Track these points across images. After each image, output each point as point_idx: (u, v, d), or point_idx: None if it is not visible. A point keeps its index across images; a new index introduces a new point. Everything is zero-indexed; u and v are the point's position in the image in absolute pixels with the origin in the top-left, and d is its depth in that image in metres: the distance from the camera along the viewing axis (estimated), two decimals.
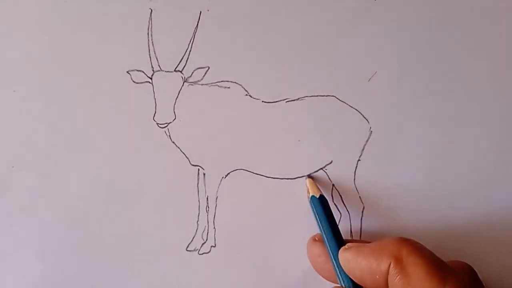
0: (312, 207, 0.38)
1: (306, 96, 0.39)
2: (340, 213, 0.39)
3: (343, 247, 0.34)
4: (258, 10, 0.39)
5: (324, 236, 0.36)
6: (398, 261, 0.30)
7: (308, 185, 0.39)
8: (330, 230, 0.36)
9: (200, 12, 0.38)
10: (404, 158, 0.39)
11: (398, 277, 0.30)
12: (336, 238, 0.35)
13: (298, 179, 0.39)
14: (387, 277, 0.31)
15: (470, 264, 0.34)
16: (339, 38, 0.39)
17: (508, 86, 0.39)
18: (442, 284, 0.29)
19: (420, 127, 0.39)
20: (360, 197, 0.39)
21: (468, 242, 0.39)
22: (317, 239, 0.38)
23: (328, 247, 0.35)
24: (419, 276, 0.30)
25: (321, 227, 0.36)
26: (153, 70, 0.38)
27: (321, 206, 0.37)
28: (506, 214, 0.39)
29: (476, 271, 0.33)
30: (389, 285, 0.31)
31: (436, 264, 0.30)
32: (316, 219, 0.37)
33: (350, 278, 0.33)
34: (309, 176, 0.39)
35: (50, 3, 0.38)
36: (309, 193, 0.38)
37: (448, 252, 0.39)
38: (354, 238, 0.39)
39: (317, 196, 0.37)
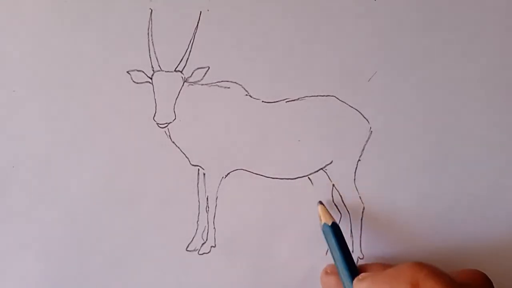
0: (324, 234, 0.37)
1: (306, 96, 0.39)
2: (340, 213, 0.39)
3: (357, 278, 0.34)
4: (258, 10, 0.39)
5: (337, 265, 0.36)
6: (415, 287, 0.30)
7: (320, 212, 0.38)
8: (343, 259, 0.35)
9: (200, 12, 0.38)
10: (404, 158, 0.39)
11: None
12: (349, 268, 0.35)
13: (298, 179, 0.39)
14: None
15: (476, 266, 0.34)
16: (339, 38, 0.39)
17: (509, 86, 0.39)
18: None
19: (420, 127, 0.39)
20: (360, 197, 0.39)
21: (468, 241, 0.39)
22: (328, 271, 0.37)
23: (342, 277, 0.35)
24: None
25: (334, 256, 0.36)
26: (153, 70, 0.38)
27: (334, 234, 0.36)
28: (507, 214, 0.39)
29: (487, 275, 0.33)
30: None
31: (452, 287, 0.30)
32: (329, 247, 0.37)
33: None
34: (321, 202, 0.39)
35: (50, 3, 0.38)
36: (321, 221, 0.38)
37: (448, 251, 0.39)
38: (354, 238, 0.39)
39: (329, 224, 0.37)
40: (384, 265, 0.36)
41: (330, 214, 0.38)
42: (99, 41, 0.38)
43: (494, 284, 0.34)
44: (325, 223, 0.37)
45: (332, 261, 0.37)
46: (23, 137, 0.38)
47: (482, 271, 0.34)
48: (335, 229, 0.37)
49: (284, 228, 0.39)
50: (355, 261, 0.39)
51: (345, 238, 0.37)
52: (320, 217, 0.38)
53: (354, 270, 0.35)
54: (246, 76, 0.39)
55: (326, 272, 0.38)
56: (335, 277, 0.37)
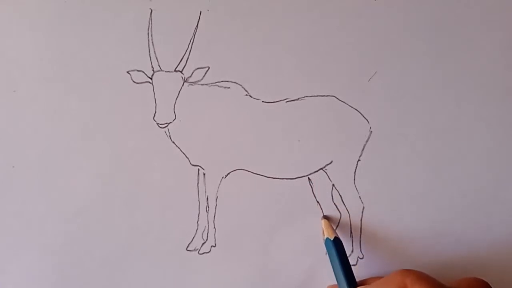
0: (326, 248, 0.38)
1: (306, 96, 0.39)
2: (340, 213, 0.39)
3: None
4: (258, 10, 0.39)
5: (338, 279, 0.36)
6: None
7: (323, 226, 0.39)
8: (343, 273, 0.36)
9: (200, 12, 0.38)
10: (404, 158, 0.39)
11: None
12: (349, 282, 0.36)
13: (298, 179, 0.39)
14: None
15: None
16: (339, 38, 0.39)
17: (509, 86, 0.39)
18: None
19: (420, 127, 0.39)
20: (360, 197, 0.39)
21: (468, 240, 0.39)
22: None
23: None
24: None
25: (334, 270, 0.37)
26: (153, 70, 0.38)
27: (335, 248, 0.37)
28: (508, 214, 0.39)
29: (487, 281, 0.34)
30: None
31: None
32: (330, 260, 0.37)
33: None
34: (325, 217, 0.39)
35: (50, 3, 0.38)
36: (324, 235, 0.38)
37: (448, 251, 0.39)
38: (354, 238, 0.39)
39: (332, 239, 0.37)
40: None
41: (333, 229, 0.38)
42: (99, 41, 0.38)
43: None
44: (327, 238, 0.37)
45: (332, 270, 0.37)
46: (23, 137, 0.39)
47: (483, 276, 0.34)
48: (337, 244, 0.37)
49: (284, 228, 0.39)
50: (355, 260, 0.39)
51: (345, 239, 0.37)
52: (323, 231, 0.38)
53: (353, 284, 0.36)
54: (246, 76, 0.39)
55: None
56: None
